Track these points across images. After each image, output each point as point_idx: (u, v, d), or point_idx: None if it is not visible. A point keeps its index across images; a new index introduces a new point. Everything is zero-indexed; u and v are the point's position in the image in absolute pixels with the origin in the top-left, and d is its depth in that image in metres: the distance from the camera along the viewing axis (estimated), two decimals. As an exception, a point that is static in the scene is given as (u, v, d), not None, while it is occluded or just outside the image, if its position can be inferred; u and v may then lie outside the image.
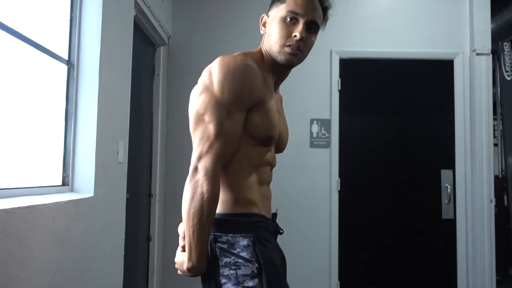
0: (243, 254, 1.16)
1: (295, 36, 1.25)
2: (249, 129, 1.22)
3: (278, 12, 1.29)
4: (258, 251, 1.16)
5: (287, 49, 1.26)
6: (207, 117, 1.16)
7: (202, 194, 1.12)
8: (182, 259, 1.20)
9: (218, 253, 1.17)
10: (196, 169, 1.14)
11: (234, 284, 1.14)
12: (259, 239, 1.18)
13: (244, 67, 1.19)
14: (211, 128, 1.15)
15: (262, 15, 1.36)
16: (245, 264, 1.15)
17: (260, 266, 1.14)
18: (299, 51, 1.27)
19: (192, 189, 1.13)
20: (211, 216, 1.14)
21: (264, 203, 1.29)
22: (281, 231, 1.36)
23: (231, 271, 1.15)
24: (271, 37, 1.29)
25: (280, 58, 1.28)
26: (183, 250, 1.21)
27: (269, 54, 1.30)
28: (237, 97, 1.16)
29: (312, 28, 1.29)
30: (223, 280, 1.15)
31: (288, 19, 1.26)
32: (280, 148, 1.40)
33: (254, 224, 1.21)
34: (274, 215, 1.36)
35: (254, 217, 1.22)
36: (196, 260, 1.15)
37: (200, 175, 1.13)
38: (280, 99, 1.45)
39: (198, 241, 1.14)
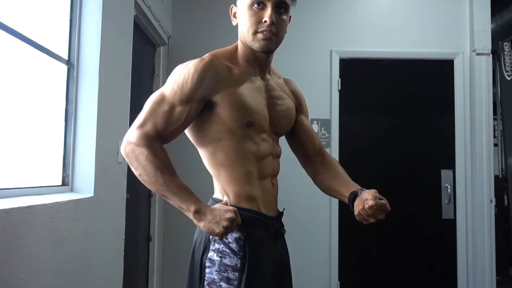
0: (233, 245, 1.20)
1: (265, 21, 1.24)
2: (229, 120, 1.23)
3: (244, 0, 1.28)
4: (248, 247, 1.19)
5: (259, 36, 1.25)
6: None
7: (141, 161, 1.17)
8: (197, 223, 1.17)
9: (211, 237, 1.21)
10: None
11: (216, 271, 1.18)
12: (252, 236, 1.21)
13: (196, 67, 1.22)
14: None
15: (231, 6, 1.35)
16: (232, 255, 1.19)
17: (245, 261, 1.18)
18: (273, 35, 1.25)
19: (134, 158, 1.18)
20: (170, 175, 1.17)
21: (265, 198, 1.29)
22: (283, 231, 1.35)
23: (217, 258, 1.19)
24: (243, 27, 1.29)
25: (256, 46, 1.27)
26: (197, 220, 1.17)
27: (246, 44, 1.30)
28: (184, 88, 1.20)
29: (282, 7, 1.27)
30: (208, 264, 1.20)
31: (256, 5, 1.25)
32: (277, 132, 1.38)
33: (251, 220, 1.23)
34: (280, 214, 1.36)
35: (252, 213, 1.24)
36: (188, 206, 1.15)
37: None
38: (277, 84, 1.41)
39: (174, 193, 1.16)
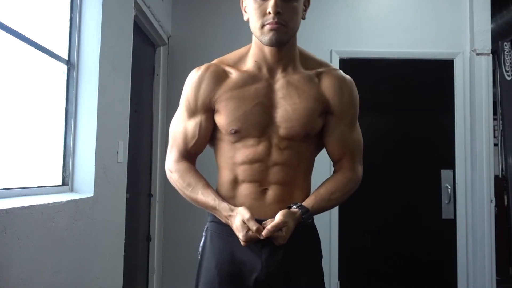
0: (202, 239, 1.36)
1: (269, 12, 1.18)
2: (219, 128, 1.29)
3: None
4: (205, 234, 1.34)
5: (266, 28, 1.19)
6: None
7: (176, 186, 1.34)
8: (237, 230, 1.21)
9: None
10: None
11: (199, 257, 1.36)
12: (212, 227, 1.32)
13: (191, 79, 1.31)
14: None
15: (241, 0, 1.31)
16: (202, 239, 1.36)
17: (203, 246, 1.33)
18: (280, 25, 1.18)
19: (173, 183, 1.35)
20: (193, 193, 1.28)
21: (245, 201, 1.26)
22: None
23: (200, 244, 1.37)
24: (251, 22, 1.25)
25: (265, 39, 1.21)
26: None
27: (257, 39, 1.25)
28: (188, 104, 1.30)
29: None
30: (200, 250, 1.36)
31: None
32: (284, 135, 1.26)
33: (211, 217, 1.32)
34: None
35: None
36: (220, 217, 1.25)
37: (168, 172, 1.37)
38: (293, 82, 1.28)
39: (204, 207, 1.29)
